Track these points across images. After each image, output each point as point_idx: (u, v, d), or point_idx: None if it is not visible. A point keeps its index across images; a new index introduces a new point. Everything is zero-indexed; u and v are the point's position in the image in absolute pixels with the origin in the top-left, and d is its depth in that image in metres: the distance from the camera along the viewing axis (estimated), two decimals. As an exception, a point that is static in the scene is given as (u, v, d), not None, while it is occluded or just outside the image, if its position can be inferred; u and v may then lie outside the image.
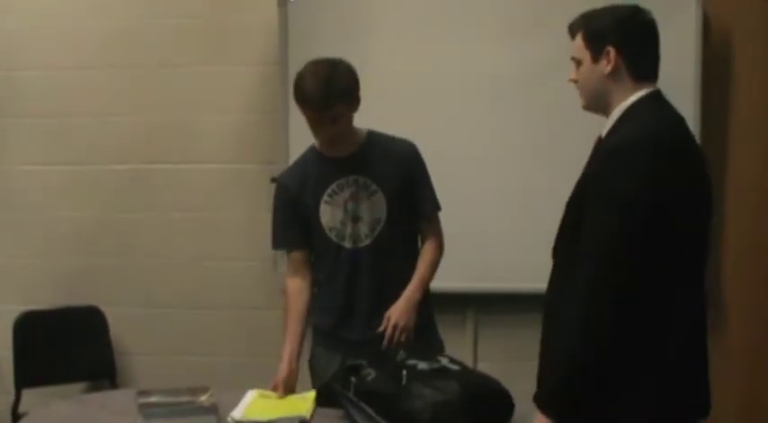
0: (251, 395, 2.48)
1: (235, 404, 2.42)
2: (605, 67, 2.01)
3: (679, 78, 3.32)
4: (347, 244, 2.61)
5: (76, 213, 3.81)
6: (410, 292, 2.58)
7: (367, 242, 2.61)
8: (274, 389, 2.52)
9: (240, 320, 3.74)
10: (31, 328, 3.59)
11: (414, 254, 2.69)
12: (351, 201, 2.60)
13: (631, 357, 1.90)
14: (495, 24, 3.48)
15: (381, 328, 2.51)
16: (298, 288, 2.68)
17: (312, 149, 2.68)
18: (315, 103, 2.44)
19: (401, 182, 2.62)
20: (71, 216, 3.81)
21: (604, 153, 1.96)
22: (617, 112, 2.02)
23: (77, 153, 3.78)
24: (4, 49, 3.78)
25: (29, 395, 3.54)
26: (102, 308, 3.71)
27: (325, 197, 2.61)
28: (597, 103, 2.08)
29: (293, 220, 2.66)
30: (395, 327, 2.50)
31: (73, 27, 3.74)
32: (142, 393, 2.51)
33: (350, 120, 2.57)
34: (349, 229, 2.60)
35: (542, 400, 1.95)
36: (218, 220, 3.75)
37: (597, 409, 1.91)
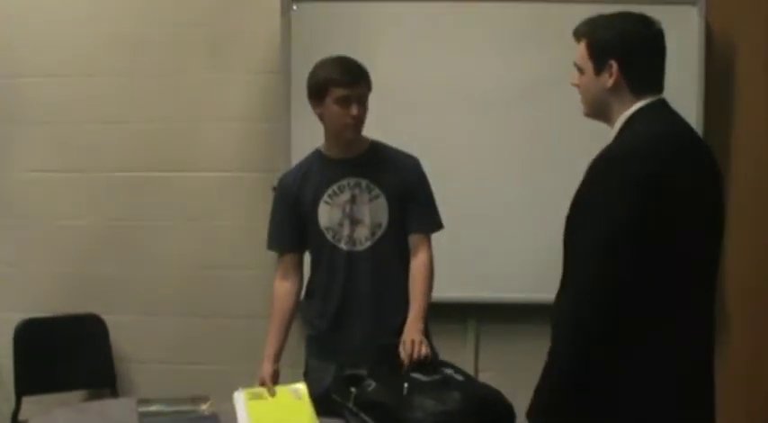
0: (242, 399, 2.46)
1: (235, 413, 2.41)
2: (607, 80, 1.99)
3: (682, 88, 3.32)
4: (343, 245, 2.62)
5: (77, 221, 3.80)
6: (414, 323, 2.52)
7: (366, 245, 2.62)
8: (261, 384, 2.54)
9: (241, 329, 3.73)
10: (31, 336, 3.58)
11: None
12: (350, 203, 2.61)
13: (620, 370, 1.87)
14: (496, 36, 3.48)
15: (403, 351, 2.41)
16: (286, 291, 2.70)
17: (317, 152, 2.71)
18: (345, 78, 2.51)
19: (402, 190, 2.63)
20: (72, 224, 3.80)
21: (592, 165, 1.94)
22: (618, 124, 2.01)
23: (78, 161, 3.78)
24: (8, 57, 3.78)
25: (29, 403, 3.52)
26: (103, 316, 3.70)
27: (325, 197, 2.62)
28: (598, 112, 2.07)
29: (289, 222, 2.68)
30: (418, 343, 2.42)
31: (75, 34, 3.74)
32: (142, 402, 2.51)
33: (366, 110, 2.60)
34: (346, 231, 2.61)
35: (532, 412, 1.92)
36: (219, 229, 3.75)
37: (582, 419, 1.88)
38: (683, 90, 3.30)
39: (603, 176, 1.90)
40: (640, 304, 1.86)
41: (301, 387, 2.49)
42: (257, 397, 2.48)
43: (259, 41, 3.66)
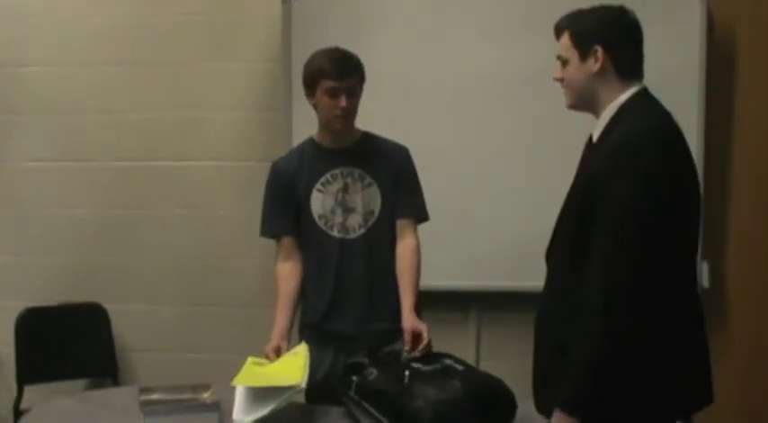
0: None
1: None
2: (593, 65, 2.02)
3: (683, 76, 3.32)
4: (335, 233, 2.63)
5: (78, 210, 3.81)
6: (414, 311, 2.54)
7: (359, 233, 2.64)
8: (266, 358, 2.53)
9: (242, 318, 3.74)
10: (33, 325, 3.59)
11: None
12: (343, 191, 2.63)
13: (646, 352, 1.91)
14: (496, 24, 3.47)
15: (416, 346, 2.43)
16: (289, 271, 2.70)
17: (310, 140, 2.72)
18: (334, 69, 2.52)
19: (393, 179, 2.65)
20: (73, 213, 3.81)
21: (608, 153, 1.95)
22: (608, 112, 2.03)
23: (79, 150, 3.78)
24: (8, 46, 3.78)
25: (31, 392, 3.54)
26: (105, 305, 3.71)
27: (318, 186, 2.64)
28: (584, 102, 2.09)
29: (285, 207, 2.69)
30: (427, 333, 2.46)
31: (76, 24, 3.74)
32: (144, 390, 2.51)
33: (358, 102, 2.60)
34: (339, 219, 2.63)
35: (569, 403, 1.92)
36: (220, 218, 3.75)
37: (617, 405, 1.91)
38: (685, 79, 3.29)
39: (623, 166, 1.90)
40: (662, 293, 1.90)
41: (301, 347, 2.48)
42: (259, 363, 2.50)
43: (260, 30, 3.65)
